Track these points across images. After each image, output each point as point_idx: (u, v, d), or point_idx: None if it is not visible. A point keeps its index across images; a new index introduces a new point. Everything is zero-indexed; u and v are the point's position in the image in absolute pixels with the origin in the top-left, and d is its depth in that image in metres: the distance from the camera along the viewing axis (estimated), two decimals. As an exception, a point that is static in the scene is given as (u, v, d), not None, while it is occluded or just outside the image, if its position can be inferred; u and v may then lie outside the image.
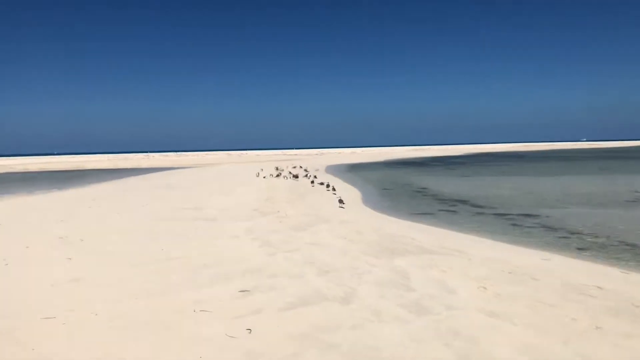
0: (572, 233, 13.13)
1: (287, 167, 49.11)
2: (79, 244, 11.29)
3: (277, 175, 33.10)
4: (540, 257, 9.83)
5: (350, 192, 24.73)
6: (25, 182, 39.87)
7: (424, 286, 7.52)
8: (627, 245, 11.34)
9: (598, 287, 7.46)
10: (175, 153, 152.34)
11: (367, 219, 15.27)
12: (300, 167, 49.08)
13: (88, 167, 71.40)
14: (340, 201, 18.56)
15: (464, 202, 20.59)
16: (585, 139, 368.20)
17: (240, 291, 7.38)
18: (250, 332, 5.75)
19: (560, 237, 12.55)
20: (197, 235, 12.13)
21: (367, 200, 21.47)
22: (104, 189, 28.39)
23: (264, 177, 32.19)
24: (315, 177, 31.72)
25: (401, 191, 25.96)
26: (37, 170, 66.95)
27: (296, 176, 31.89)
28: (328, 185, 25.88)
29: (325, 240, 11.32)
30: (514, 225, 14.80)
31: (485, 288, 7.39)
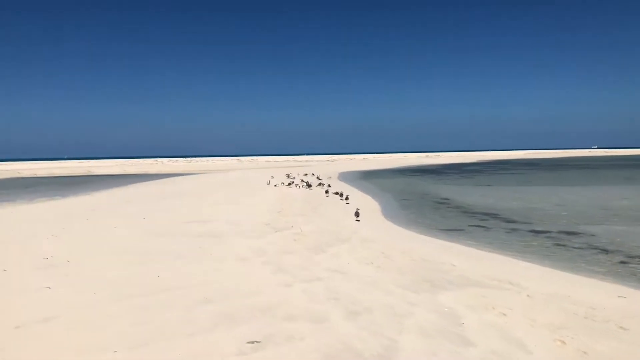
0: (631, 257, 11.38)
1: (299, 174, 47.57)
2: (64, 267, 9.77)
3: (289, 184, 31.53)
4: (614, 293, 8.11)
5: (367, 203, 23.08)
6: (30, 188, 38.72)
7: (484, 338, 5.86)
8: None
9: None
10: (184, 159, 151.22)
11: (392, 237, 13.59)
12: (312, 174, 47.51)
13: (96, 172, 70.42)
14: (358, 214, 16.93)
15: (493, 215, 18.87)
16: (596, 146, 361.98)
17: (249, 342, 5.77)
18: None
19: (620, 263, 10.80)
20: (199, 257, 10.56)
21: (388, 213, 19.80)
22: (107, 198, 26.98)
23: (275, 186, 30.63)
24: (329, 185, 30.12)
25: (422, 202, 24.24)
26: (45, 175, 66.07)
27: (309, 185, 30.30)
28: (342, 195, 24.28)
29: (349, 265, 9.69)
30: (557, 245, 13.09)
31: (564, 342, 5.72)
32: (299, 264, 9.80)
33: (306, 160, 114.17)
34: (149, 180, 47.18)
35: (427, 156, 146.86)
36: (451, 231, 15.54)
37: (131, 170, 72.45)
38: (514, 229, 15.71)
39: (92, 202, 24.49)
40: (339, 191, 26.04)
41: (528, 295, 7.67)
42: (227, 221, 15.91)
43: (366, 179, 45.43)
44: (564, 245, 12.99)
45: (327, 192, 25.74)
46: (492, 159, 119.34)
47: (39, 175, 65.18)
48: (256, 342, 5.80)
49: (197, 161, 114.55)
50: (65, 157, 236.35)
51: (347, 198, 22.99)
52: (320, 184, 30.89)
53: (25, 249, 11.73)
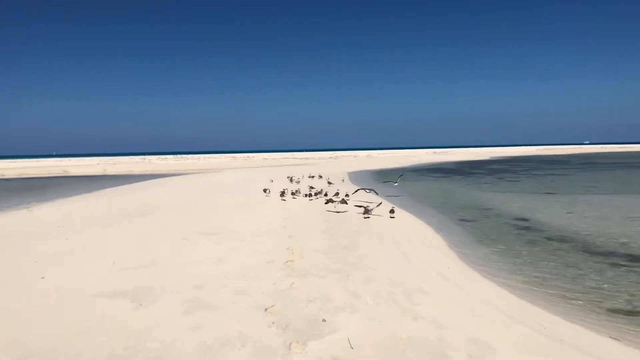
0: None
1: (303, 176, 39.59)
2: None
3: (295, 193, 23.46)
4: None
5: (419, 229, 15.25)
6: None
7: None
8: None
9: None
10: (174, 156, 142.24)
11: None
12: (320, 176, 39.58)
13: (72, 172, 62.36)
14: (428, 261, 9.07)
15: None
16: (588, 142, 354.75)
17: None
18: None
19: None
20: None
21: (468, 254, 11.97)
22: (41, 217, 19.05)
23: (281, 196, 22.52)
24: (346, 195, 22.18)
25: (495, 226, 16.41)
26: (12, 176, 58.13)
27: (325, 194, 22.28)
28: (392, 211, 16.44)
29: None
30: None
31: None
32: None
33: (306, 158, 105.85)
34: (123, 183, 39.20)
35: (434, 152, 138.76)
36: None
37: (111, 170, 64.39)
38: None
39: (12, 226, 16.61)
40: (367, 204, 18.08)
41: None
42: (191, 290, 8.00)
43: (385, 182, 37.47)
44: None
45: (366, 211, 17.35)
46: (505, 155, 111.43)
47: (5, 177, 57.21)
48: None
49: (187, 159, 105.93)
50: (54, 153, 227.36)
51: (389, 212, 15.15)
52: (337, 194, 22.81)
53: None
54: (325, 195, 22.26)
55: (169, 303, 7.56)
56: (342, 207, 20.35)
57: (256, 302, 7.52)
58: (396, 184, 30.45)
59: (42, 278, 9.32)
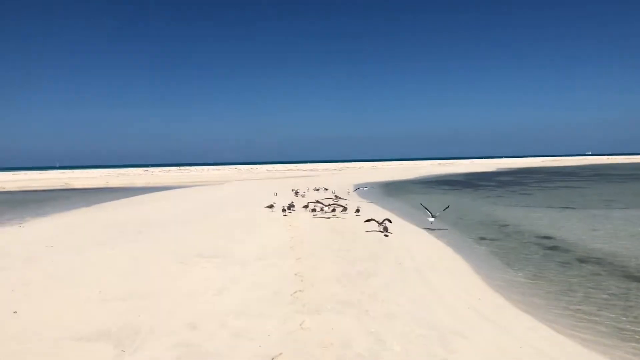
0: None
1: (308, 189, 38.44)
2: None
3: (303, 208, 22.16)
4: None
5: (437, 250, 13.98)
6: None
7: None
8: None
9: None
10: (177, 167, 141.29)
11: None
12: (325, 189, 38.40)
13: (74, 185, 61.47)
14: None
15: None
16: (590, 153, 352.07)
17: None
18: None
19: None
20: None
21: (498, 281, 10.70)
22: (30, 235, 17.94)
23: (283, 212, 21.31)
24: (356, 210, 20.96)
25: (520, 246, 15.14)
26: (13, 189, 57.26)
27: (333, 209, 21.04)
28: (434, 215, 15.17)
29: None
30: None
31: None
32: None
33: (310, 170, 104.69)
34: (124, 197, 38.08)
35: (439, 164, 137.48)
36: None
37: (114, 183, 63.49)
38: None
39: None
40: (375, 218, 16.81)
41: None
42: (181, 341, 6.76)
43: (393, 195, 36.24)
44: None
45: (385, 228, 16.15)
46: (512, 167, 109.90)
47: (6, 190, 56.33)
48: None
49: (190, 170, 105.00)
50: (57, 165, 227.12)
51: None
52: (346, 209, 21.57)
53: None
54: (333, 210, 20.99)
55: (157, 348, 6.33)
56: (341, 214, 20.19)
57: (260, 348, 6.29)
58: (366, 187, 39.27)
59: (15, 312, 8.12)
